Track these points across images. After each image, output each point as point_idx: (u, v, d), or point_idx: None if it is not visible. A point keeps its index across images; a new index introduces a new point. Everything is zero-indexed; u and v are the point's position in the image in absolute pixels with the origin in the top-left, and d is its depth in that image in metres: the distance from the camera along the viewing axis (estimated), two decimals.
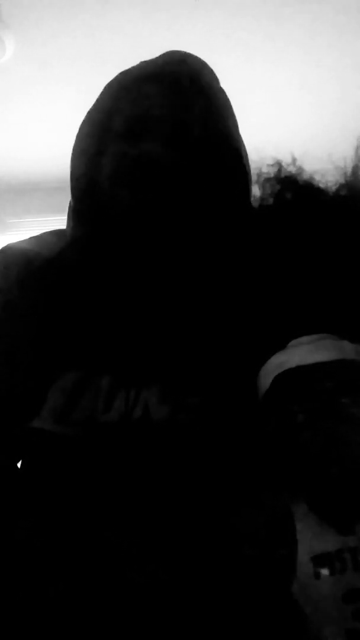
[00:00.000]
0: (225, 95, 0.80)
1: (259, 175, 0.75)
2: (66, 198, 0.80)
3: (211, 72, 0.80)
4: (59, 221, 0.85)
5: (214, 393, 0.70)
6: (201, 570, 0.64)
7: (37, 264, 0.78)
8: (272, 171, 0.75)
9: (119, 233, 0.72)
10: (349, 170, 0.74)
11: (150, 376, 0.70)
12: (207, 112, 0.74)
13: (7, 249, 0.83)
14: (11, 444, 0.74)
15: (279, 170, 0.74)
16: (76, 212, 0.77)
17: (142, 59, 0.79)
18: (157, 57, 0.79)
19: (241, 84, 2.09)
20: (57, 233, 0.83)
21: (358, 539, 0.59)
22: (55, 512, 0.68)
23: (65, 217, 0.81)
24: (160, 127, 0.71)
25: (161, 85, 0.73)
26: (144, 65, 0.78)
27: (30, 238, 0.84)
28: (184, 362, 0.72)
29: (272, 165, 0.75)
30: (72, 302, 0.75)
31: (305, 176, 0.74)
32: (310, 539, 0.61)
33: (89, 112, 0.79)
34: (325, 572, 0.59)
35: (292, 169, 0.75)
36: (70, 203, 0.79)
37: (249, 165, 0.79)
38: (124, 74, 0.78)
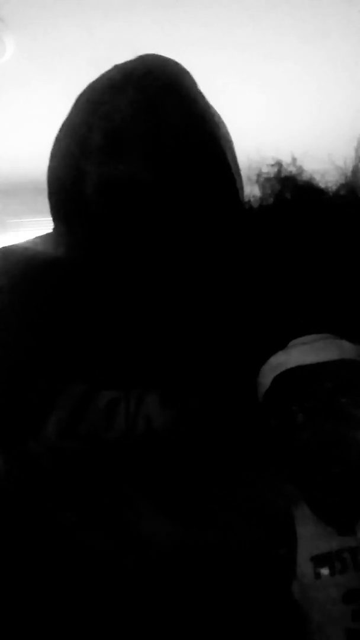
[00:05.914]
0: (205, 99, 0.78)
1: (258, 175, 0.75)
2: None
3: (188, 76, 0.78)
4: None
5: (214, 393, 0.70)
6: (202, 571, 0.64)
7: (36, 263, 0.78)
8: (272, 171, 0.75)
9: (113, 243, 0.73)
10: (349, 170, 0.74)
11: (149, 379, 0.70)
12: (185, 122, 0.73)
13: (7, 249, 0.83)
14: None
15: (279, 170, 0.75)
16: (65, 220, 0.79)
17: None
18: (131, 63, 0.77)
19: (241, 83, 2.11)
20: (57, 235, 0.83)
21: (358, 539, 0.59)
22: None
23: None
24: (138, 143, 0.71)
25: (136, 95, 0.72)
26: (117, 73, 0.76)
27: (31, 239, 0.84)
28: (183, 363, 0.72)
29: (272, 165, 0.75)
30: (70, 304, 0.74)
31: (305, 176, 0.74)
32: (310, 539, 0.61)
33: (62, 127, 0.79)
34: (325, 572, 0.59)
35: (292, 169, 0.75)
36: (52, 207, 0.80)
37: (236, 165, 0.77)
38: (99, 83, 0.77)
